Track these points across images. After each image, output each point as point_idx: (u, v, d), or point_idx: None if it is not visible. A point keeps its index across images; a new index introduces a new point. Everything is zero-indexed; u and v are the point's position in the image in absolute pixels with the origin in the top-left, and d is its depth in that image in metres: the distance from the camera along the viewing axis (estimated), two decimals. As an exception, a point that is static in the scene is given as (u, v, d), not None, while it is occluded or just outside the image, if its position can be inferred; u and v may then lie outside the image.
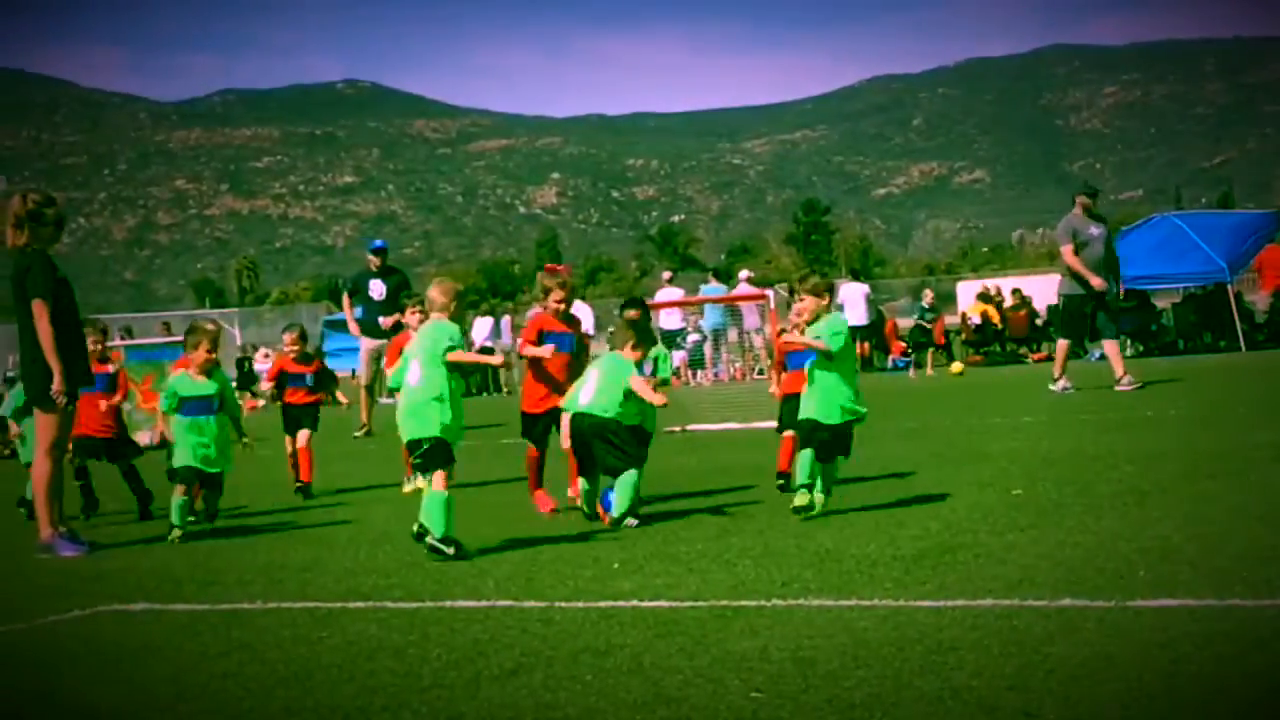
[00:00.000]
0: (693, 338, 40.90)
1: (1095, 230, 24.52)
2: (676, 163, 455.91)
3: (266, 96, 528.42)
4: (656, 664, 7.14)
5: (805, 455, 12.12)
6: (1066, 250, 24.50)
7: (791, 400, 13.15)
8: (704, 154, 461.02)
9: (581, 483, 12.89)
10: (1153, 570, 8.60)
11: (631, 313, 13.91)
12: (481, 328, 45.19)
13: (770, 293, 32.51)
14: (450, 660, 7.55)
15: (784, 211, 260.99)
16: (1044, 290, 48.13)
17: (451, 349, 11.23)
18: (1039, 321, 43.43)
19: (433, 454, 11.08)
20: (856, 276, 45.86)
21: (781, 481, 13.65)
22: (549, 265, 15.18)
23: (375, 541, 12.32)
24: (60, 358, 12.72)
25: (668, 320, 41.03)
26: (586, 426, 12.60)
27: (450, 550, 10.74)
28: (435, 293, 11.76)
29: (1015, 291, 45.69)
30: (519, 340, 14.49)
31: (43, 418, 12.92)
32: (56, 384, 12.68)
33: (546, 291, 13.66)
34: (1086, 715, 5.83)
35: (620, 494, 12.46)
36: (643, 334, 13.28)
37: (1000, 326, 43.53)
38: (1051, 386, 24.25)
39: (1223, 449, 14.59)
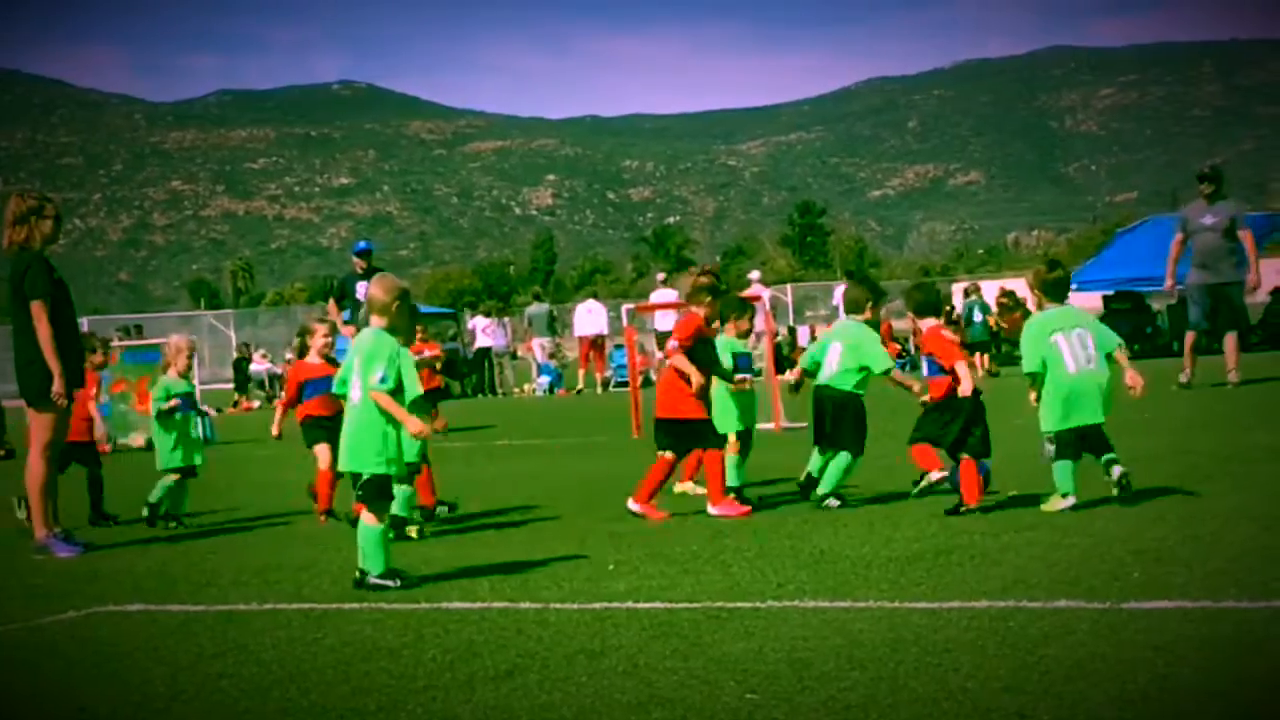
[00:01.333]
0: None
1: (1209, 219, 23.31)
2: (672, 164, 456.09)
3: (262, 97, 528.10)
4: (651, 665, 7.15)
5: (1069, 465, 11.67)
6: (1174, 241, 23.96)
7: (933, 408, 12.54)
8: (699, 155, 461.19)
9: (814, 456, 13.12)
10: (1147, 572, 8.62)
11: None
12: (484, 327, 45.07)
13: (765, 294, 32.48)
14: (445, 661, 7.55)
15: (780, 213, 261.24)
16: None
17: (380, 386, 9.91)
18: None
19: (371, 489, 9.99)
20: (852, 278, 45.79)
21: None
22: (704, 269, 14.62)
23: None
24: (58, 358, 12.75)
25: (662, 322, 41.02)
26: (827, 397, 12.85)
27: (395, 583, 9.84)
28: (376, 290, 10.34)
29: (1010, 293, 45.57)
30: (669, 342, 14.00)
31: (38, 418, 12.92)
32: (57, 386, 12.71)
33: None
34: (1081, 717, 5.84)
35: (833, 473, 12.83)
36: (876, 292, 13.49)
37: (996, 328, 43.41)
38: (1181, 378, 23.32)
39: (1219, 451, 14.60)
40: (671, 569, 9.93)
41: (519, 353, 49.69)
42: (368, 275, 24.92)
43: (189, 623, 9.22)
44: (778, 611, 8.30)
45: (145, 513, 14.81)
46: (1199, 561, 8.84)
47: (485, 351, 44.45)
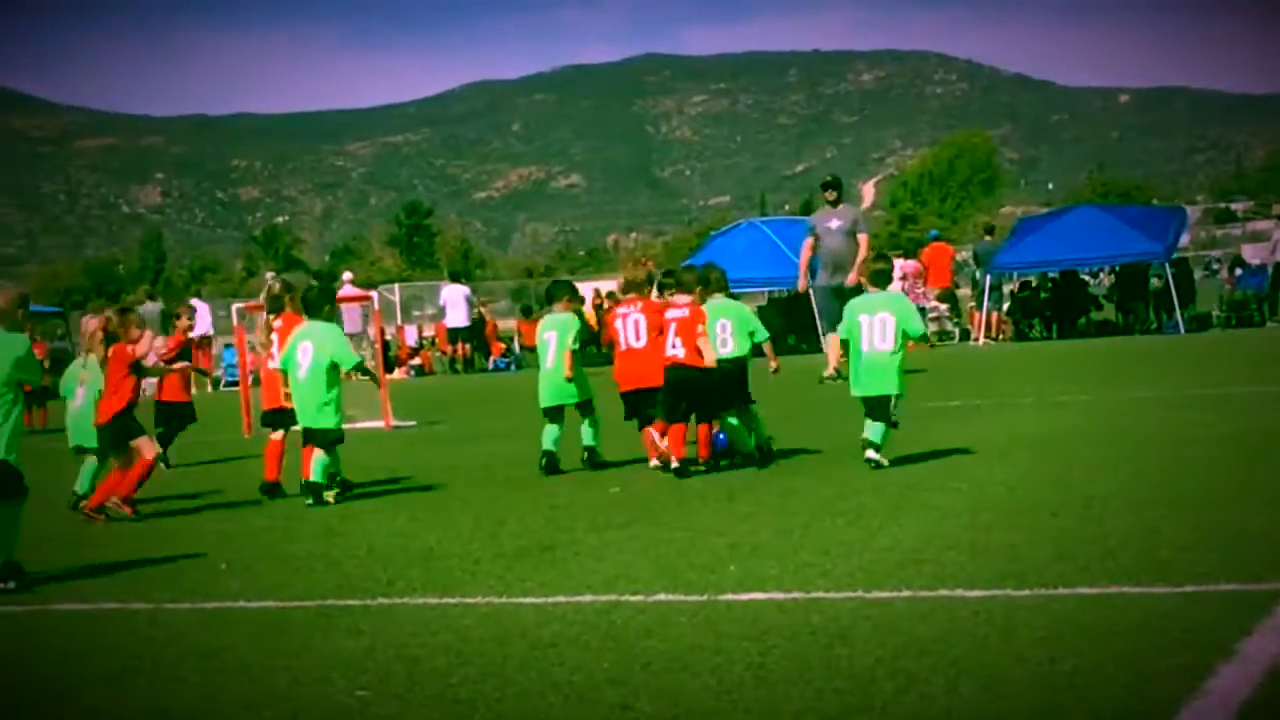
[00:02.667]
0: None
1: (834, 223, 24.32)
2: (280, 164, 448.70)
3: None
4: (264, 664, 7.20)
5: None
6: (805, 244, 24.90)
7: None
8: (307, 156, 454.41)
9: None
10: (742, 565, 8.97)
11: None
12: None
13: (375, 294, 32.36)
14: (54, 665, 7.45)
15: (386, 213, 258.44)
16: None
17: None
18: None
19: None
20: (457, 278, 45.91)
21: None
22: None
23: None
24: None
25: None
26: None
27: (11, 584, 9.68)
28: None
29: (610, 295, 46.22)
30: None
31: None
32: None
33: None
34: (681, 706, 6.09)
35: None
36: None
37: (597, 329, 43.73)
38: None
39: (819, 444, 15.06)
40: (283, 568, 9.95)
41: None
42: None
43: None
44: (388, 609, 8.41)
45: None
46: (790, 554, 9.22)
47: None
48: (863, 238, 24.45)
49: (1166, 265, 34.90)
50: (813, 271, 24.94)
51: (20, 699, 6.85)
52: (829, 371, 23.91)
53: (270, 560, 10.33)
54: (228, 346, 39.55)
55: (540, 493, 13.00)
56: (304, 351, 13.27)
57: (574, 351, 14.61)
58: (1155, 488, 11.11)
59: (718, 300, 14.28)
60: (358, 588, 9.06)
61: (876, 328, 13.31)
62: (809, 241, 24.60)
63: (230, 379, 37.75)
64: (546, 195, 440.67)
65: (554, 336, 14.72)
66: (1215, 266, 78.77)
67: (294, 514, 12.76)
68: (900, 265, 39.88)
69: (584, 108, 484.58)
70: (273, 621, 8.21)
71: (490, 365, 42.86)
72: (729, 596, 8.10)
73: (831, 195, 24.66)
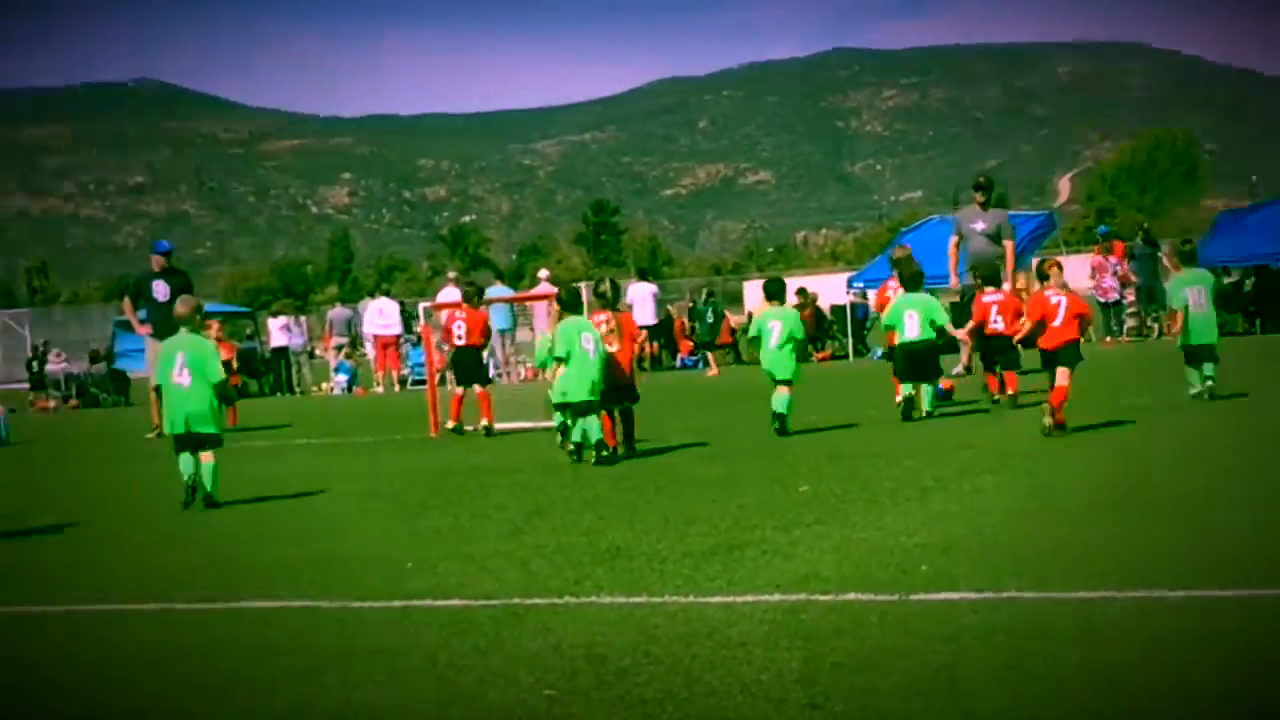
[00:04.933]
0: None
1: (979, 225, 23.79)
2: (467, 163, 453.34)
3: (57, 94, 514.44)
4: (451, 663, 7.19)
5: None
6: (950, 244, 24.80)
7: None
8: (494, 154, 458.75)
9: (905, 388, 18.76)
10: (933, 565, 8.84)
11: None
12: (281, 326, 44.55)
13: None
14: (245, 662, 7.52)
15: (574, 212, 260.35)
16: (830, 290, 48.86)
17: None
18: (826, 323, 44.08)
19: (208, 441, 13.99)
20: (644, 276, 45.95)
21: None
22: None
23: (165, 542, 12.18)
24: None
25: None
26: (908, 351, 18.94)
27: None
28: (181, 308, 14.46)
29: (800, 291, 46.09)
30: None
31: None
32: None
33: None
34: (871, 707, 6.00)
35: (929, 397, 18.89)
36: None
37: (733, 329, 43.45)
38: None
39: (996, 445, 14.92)
40: (469, 566, 9.94)
41: (317, 352, 49.22)
42: (165, 274, 24.70)
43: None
44: (575, 607, 8.37)
45: None
46: (981, 554, 9.09)
47: (282, 350, 44.03)
48: (1008, 244, 24.15)
49: None
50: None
51: (210, 693, 6.91)
52: (958, 369, 23.90)
53: (455, 559, 10.31)
54: (415, 346, 40.03)
55: (728, 491, 12.93)
56: (587, 340, 16.35)
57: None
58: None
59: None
60: (545, 586, 9.04)
61: (1201, 295, 18.02)
62: (953, 240, 24.32)
63: (418, 378, 38.24)
64: (734, 192, 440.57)
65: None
66: None
67: (479, 513, 12.80)
68: (1100, 261, 39.22)
69: (772, 104, 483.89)
70: (459, 620, 8.20)
71: (677, 363, 42.93)
72: (920, 596, 7.98)
73: (980, 197, 24.38)
